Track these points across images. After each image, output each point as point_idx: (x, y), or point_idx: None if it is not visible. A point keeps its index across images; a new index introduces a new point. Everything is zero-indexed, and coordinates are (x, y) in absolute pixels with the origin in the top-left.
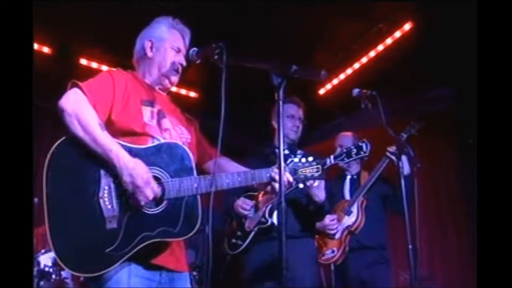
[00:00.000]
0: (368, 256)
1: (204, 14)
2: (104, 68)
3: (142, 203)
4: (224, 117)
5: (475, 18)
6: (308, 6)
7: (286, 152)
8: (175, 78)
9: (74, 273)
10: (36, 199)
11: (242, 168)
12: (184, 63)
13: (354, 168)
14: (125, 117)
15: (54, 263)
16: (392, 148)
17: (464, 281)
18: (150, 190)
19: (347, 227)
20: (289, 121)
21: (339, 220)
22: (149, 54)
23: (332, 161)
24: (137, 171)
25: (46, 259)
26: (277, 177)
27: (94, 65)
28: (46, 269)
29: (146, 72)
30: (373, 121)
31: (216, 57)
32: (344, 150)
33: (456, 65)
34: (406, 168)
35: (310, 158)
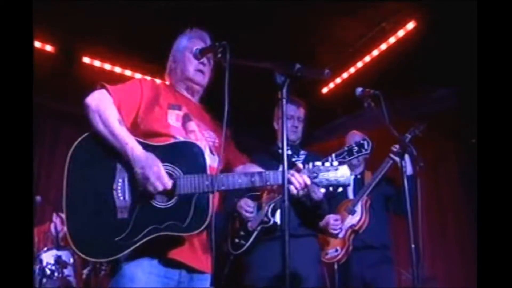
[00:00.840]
0: (371, 256)
1: (205, 14)
2: (107, 66)
3: (151, 193)
4: (227, 115)
5: (475, 16)
6: (311, 5)
7: (289, 152)
8: (199, 79)
9: (86, 258)
10: (38, 197)
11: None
12: (205, 61)
13: (358, 168)
14: (150, 119)
15: (57, 261)
16: (396, 148)
17: (466, 282)
18: (160, 183)
19: (351, 226)
20: (287, 121)
21: (343, 220)
22: (173, 65)
23: (334, 159)
24: (148, 163)
25: (48, 257)
26: (293, 179)
27: (97, 63)
28: (49, 266)
29: (174, 82)
30: (376, 121)
31: (219, 55)
32: (346, 148)
33: (459, 65)
34: (409, 168)
35: (335, 163)
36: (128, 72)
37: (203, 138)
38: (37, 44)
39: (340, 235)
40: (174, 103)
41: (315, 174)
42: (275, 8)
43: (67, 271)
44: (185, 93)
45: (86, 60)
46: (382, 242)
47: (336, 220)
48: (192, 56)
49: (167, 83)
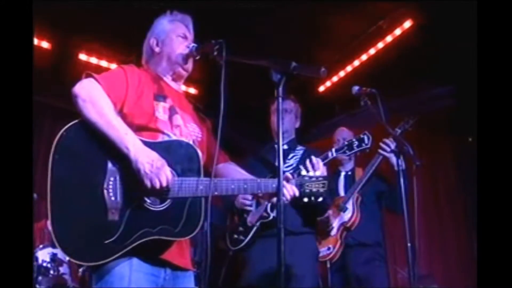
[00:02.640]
0: (364, 253)
1: (203, 12)
2: (104, 63)
3: (157, 186)
4: (223, 113)
5: (475, 16)
6: (308, 3)
7: (285, 147)
8: (187, 65)
9: (72, 260)
10: (35, 195)
11: (248, 175)
12: (190, 46)
13: (348, 165)
14: (137, 111)
15: (52, 259)
16: (388, 146)
17: (464, 279)
18: (165, 176)
19: (343, 223)
20: (273, 116)
21: (334, 218)
22: (156, 49)
23: (334, 154)
24: (154, 155)
25: (44, 255)
26: (284, 191)
27: (94, 60)
28: (44, 264)
29: (157, 67)
30: (373, 119)
31: (215, 53)
32: (346, 143)
33: (456, 63)
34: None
35: (318, 173)
36: None
37: (188, 132)
38: (34, 41)
39: (332, 233)
40: (159, 93)
41: (301, 185)
42: (272, 7)
43: (62, 269)
44: (169, 80)
45: (82, 57)
46: (374, 239)
47: (327, 216)
48: (179, 40)
49: (149, 70)
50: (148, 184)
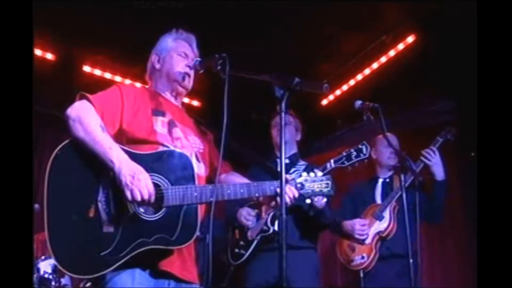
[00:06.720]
0: (398, 264)
1: (207, 24)
2: (108, 75)
3: (138, 198)
4: (226, 126)
5: (477, 31)
6: (311, 17)
7: (287, 161)
8: (186, 83)
9: (70, 274)
10: (36, 205)
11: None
12: (192, 65)
13: (388, 171)
14: (136, 126)
15: (54, 270)
16: (434, 155)
17: None
18: (146, 188)
19: (378, 232)
20: (274, 130)
21: (370, 226)
22: (157, 66)
23: (333, 165)
24: (138, 167)
25: (46, 266)
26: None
27: (98, 72)
28: (46, 276)
29: (158, 83)
30: (375, 133)
31: (219, 67)
32: (344, 154)
33: (459, 78)
34: (440, 174)
35: (320, 173)
36: (128, 82)
37: (189, 144)
38: (38, 52)
39: (367, 242)
40: (157, 108)
41: (301, 185)
42: (274, 20)
43: (64, 281)
44: (168, 96)
45: (86, 68)
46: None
47: (363, 225)
48: (179, 58)
49: (147, 86)
50: (129, 195)
